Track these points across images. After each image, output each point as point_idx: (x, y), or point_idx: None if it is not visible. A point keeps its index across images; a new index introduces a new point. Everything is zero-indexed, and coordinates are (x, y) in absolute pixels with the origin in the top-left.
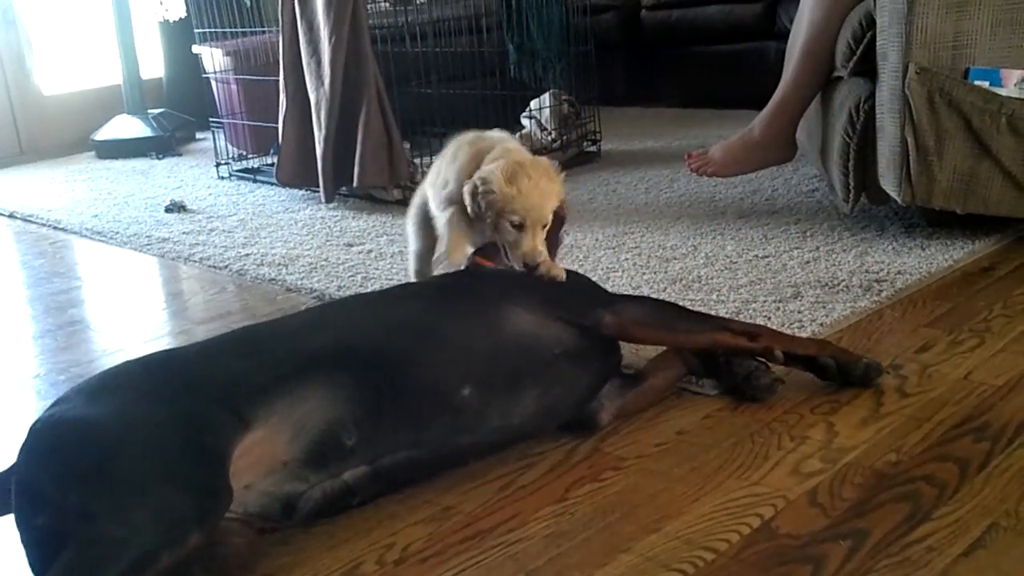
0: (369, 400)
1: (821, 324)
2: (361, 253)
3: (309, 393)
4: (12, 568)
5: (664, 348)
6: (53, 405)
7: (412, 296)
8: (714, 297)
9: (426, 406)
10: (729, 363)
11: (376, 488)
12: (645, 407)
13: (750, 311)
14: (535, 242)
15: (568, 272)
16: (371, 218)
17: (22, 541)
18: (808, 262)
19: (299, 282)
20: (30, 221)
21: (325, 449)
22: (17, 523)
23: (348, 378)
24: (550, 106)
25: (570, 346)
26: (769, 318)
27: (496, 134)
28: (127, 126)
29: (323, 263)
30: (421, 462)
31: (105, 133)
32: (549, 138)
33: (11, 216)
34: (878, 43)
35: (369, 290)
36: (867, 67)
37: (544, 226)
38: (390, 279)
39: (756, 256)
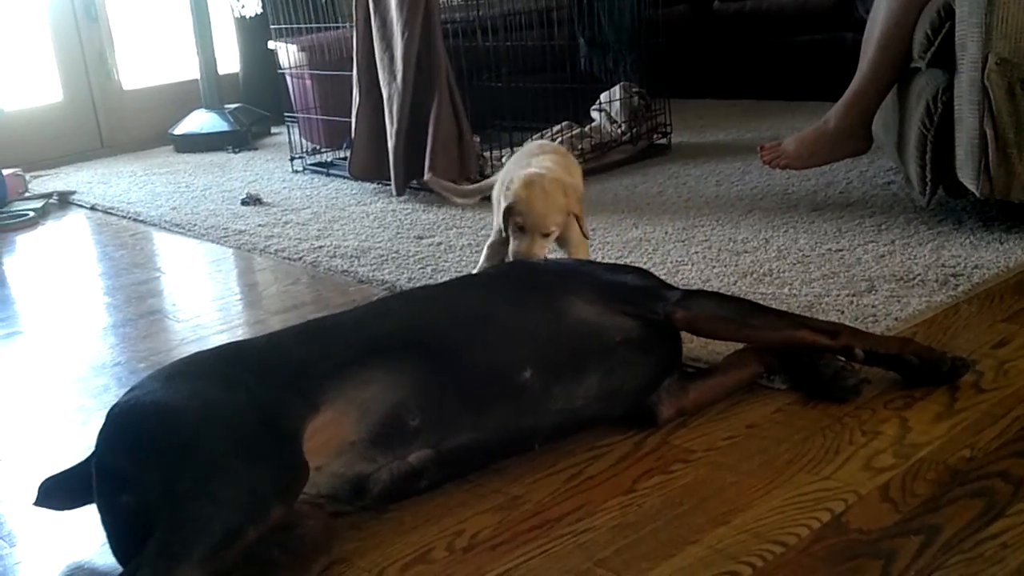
0: (431, 383)
1: (896, 319)
2: (431, 245)
3: (373, 377)
4: (85, 553)
5: (741, 346)
6: (129, 391)
7: (472, 285)
8: (786, 291)
9: (487, 388)
10: (814, 363)
11: (442, 472)
12: (709, 404)
13: (823, 305)
14: (532, 247)
15: (629, 267)
16: (441, 211)
17: (103, 523)
18: (883, 256)
19: (371, 274)
20: (111, 213)
21: (390, 430)
22: (98, 505)
23: (410, 362)
24: (620, 99)
25: (632, 334)
26: (842, 312)
27: (550, 145)
28: (204, 121)
29: (394, 255)
30: (486, 445)
31: (183, 127)
32: (619, 131)
33: (93, 208)
34: (957, 33)
35: (438, 282)
36: (945, 58)
37: (546, 235)
38: (459, 271)
39: (830, 250)
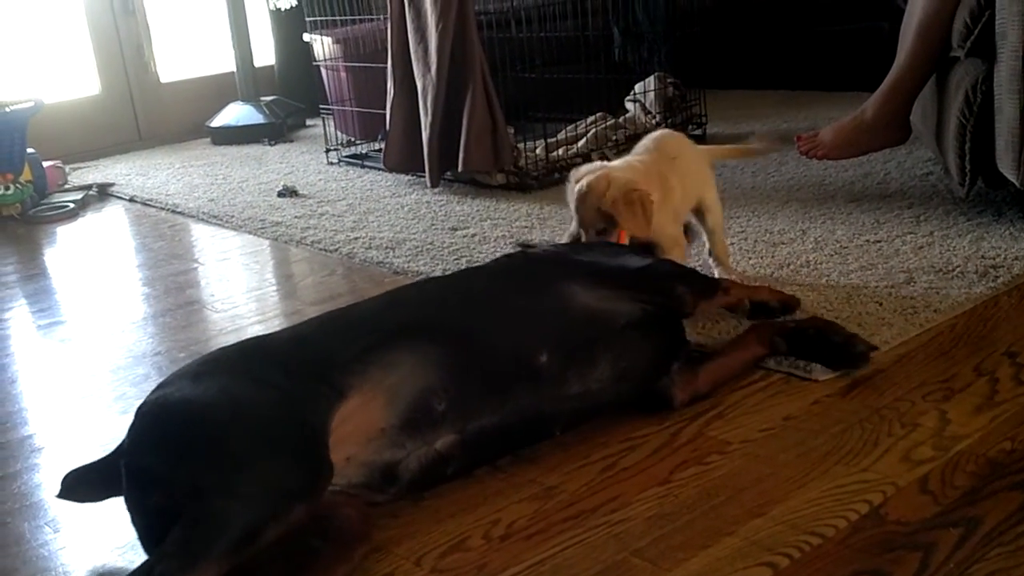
0: (454, 366)
1: (935, 310)
2: (465, 237)
3: (398, 359)
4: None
5: (744, 329)
6: (156, 389)
7: (479, 275)
8: (823, 282)
9: (508, 372)
10: (823, 335)
11: (468, 457)
12: (720, 385)
13: (861, 297)
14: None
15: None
16: (475, 202)
17: (133, 523)
18: (922, 247)
19: (405, 265)
20: (149, 205)
21: (418, 414)
22: (128, 506)
23: (433, 345)
24: (655, 89)
25: (633, 317)
26: (881, 304)
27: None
28: (240, 113)
29: (428, 247)
30: (508, 430)
31: (219, 120)
32: (653, 121)
33: (131, 200)
34: (997, 22)
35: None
36: (985, 47)
37: (600, 231)
38: None
39: (867, 241)
